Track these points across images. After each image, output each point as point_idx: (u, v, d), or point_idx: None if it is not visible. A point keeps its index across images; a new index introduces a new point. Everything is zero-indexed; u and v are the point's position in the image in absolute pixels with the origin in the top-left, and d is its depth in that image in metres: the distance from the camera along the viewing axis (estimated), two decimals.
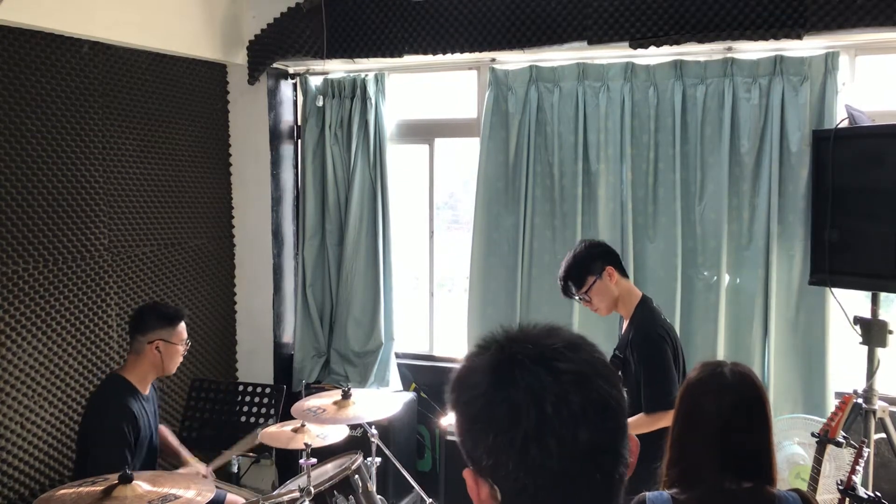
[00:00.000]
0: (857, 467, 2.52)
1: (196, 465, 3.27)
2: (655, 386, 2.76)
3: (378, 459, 3.39)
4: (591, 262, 2.94)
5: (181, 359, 3.17)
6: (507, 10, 3.87)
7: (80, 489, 2.40)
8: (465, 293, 4.33)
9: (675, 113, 3.78)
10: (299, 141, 4.70)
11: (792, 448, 3.42)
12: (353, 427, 3.57)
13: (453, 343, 4.58)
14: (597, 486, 0.97)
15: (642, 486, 1.85)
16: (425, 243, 4.58)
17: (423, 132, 4.55)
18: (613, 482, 0.98)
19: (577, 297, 3.01)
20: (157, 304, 3.26)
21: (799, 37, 3.40)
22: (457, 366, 1.06)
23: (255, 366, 4.63)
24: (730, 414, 1.80)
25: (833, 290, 3.30)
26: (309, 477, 2.91)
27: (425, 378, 4.52)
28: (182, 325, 3.15)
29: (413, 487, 3.63)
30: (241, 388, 3.86)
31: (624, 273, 3.01)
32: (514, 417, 0.94)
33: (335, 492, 3.00)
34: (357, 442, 3.57)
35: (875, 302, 3.17)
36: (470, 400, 0.99)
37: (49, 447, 3.47)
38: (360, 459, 3.18)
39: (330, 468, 3.27)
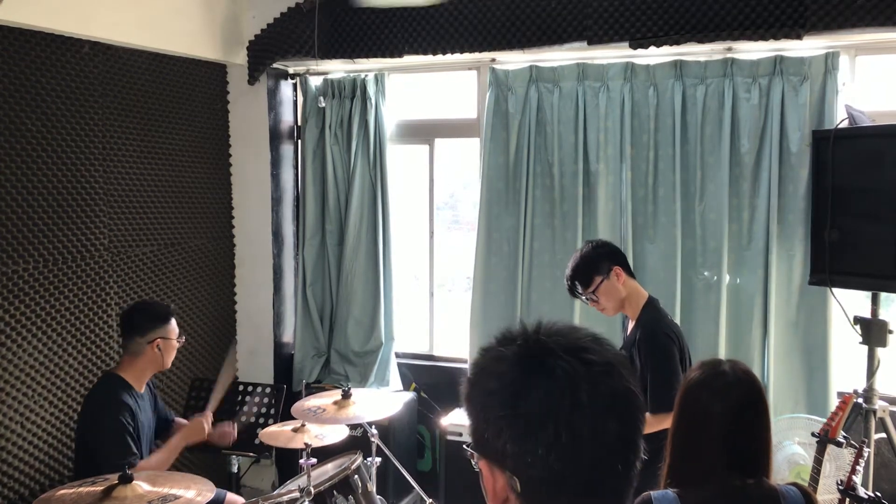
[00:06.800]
0: (858, 467, 2.52)
1: (194, 418, 3.27)
2: (662, 386, 2.73)
3: (378, 459, 3.39)
4: (598, 261, 2.92)
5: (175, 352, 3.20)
6: (507, 10, 3.87)
7: (80, 489, 2.39)
8: (465, 293, 4.32)
9: (675, 113, 3.78)
10: (299, 141, 4.70)
11: (792, 448, 3.42)
12: (353, 427, 3.57)
13: (453, 343, 4.58)
14: (617, 476, 0.99)
15: (643, 487, 1.85)
16: (425, 243, 4.58)
17: (423, 132, 4.54)
18: (631, 474, 1.01)
19: (583, 297, 2.99)
20: (147, 303, 3.26)
21: (799, 37, 3.40)
22: (470, 360, 1.07)
23: (255, 366, 4.63)
24: (737, 412, 1.80)
25: (833, 289, 3.30)
26: (309, 477, 2.91)
27: (425, 378, 4.52)
28: (174, 320, 3.17)
29: (413, 487, 3.63)
30: (241, 387, 3.86)
31: (631, 273, 2.99)
32: (549, 404, 0.95)
33: (335, 492, 2.99)
34: (357, 442, 3.57)
35: (875, 302, 3.18)
36: (498, 388, 0.99)
37: (49, 447, 3.47)
38: (360, 459, 3.18)
39: (330, 468, 3.26)
